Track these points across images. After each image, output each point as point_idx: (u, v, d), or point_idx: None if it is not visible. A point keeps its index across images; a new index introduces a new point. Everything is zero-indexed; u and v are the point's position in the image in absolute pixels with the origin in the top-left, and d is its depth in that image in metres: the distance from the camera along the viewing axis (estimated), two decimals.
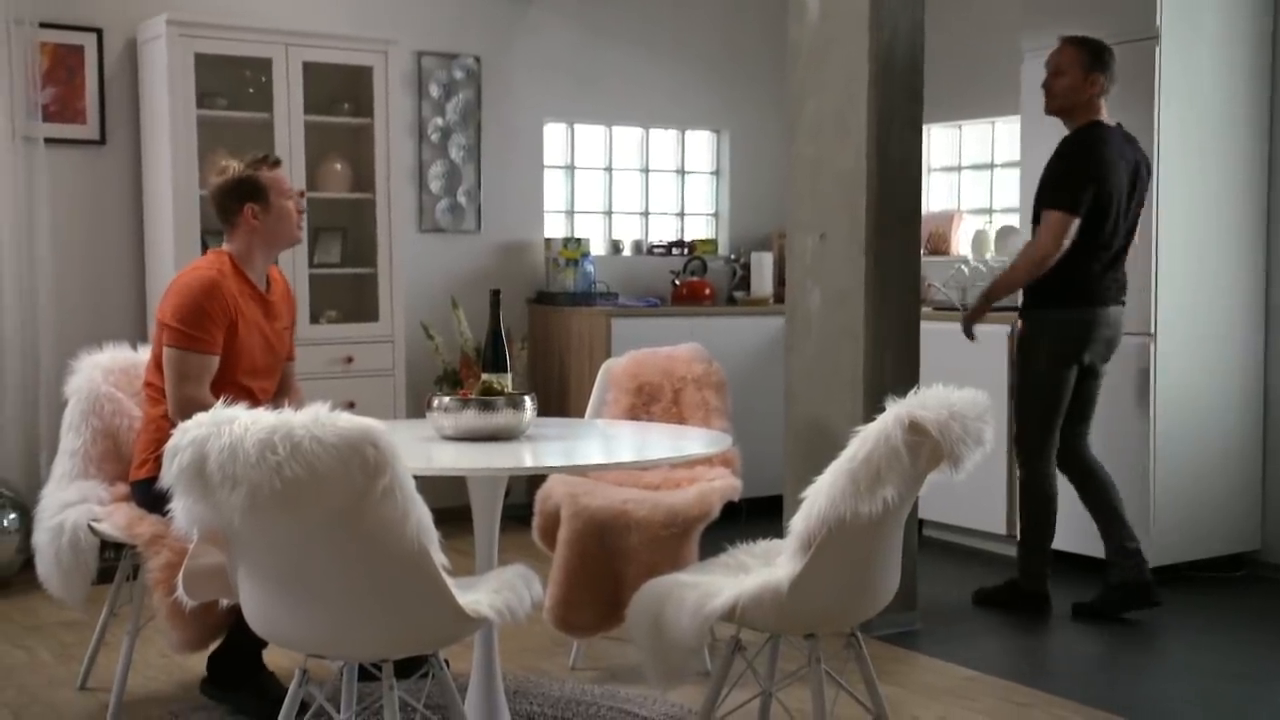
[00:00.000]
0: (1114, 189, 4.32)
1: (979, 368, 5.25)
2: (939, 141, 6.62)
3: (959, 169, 6.66)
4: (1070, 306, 4.41)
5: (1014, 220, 6.04)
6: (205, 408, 3.17)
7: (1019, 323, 4.56)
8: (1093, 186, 4.27)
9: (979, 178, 6.59)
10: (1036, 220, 4.42)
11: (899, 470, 2.51)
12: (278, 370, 3.71)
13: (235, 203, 3.56)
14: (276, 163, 3.64)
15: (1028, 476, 4.53)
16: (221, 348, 3.45)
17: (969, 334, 4.61)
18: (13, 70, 4.99)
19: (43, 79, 5.12)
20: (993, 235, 6.16)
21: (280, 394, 3.69)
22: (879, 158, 4.23)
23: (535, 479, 4.38)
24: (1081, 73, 4.32)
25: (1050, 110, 4.41)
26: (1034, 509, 4.55)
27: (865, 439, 2.54)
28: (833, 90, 4.32)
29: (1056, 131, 4.55)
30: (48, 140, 5.12)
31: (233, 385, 3.44)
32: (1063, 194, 4.28)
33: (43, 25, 5.09)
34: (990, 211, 6.48)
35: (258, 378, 3.58)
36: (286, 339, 3.74)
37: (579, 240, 6.28)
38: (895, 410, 2.54)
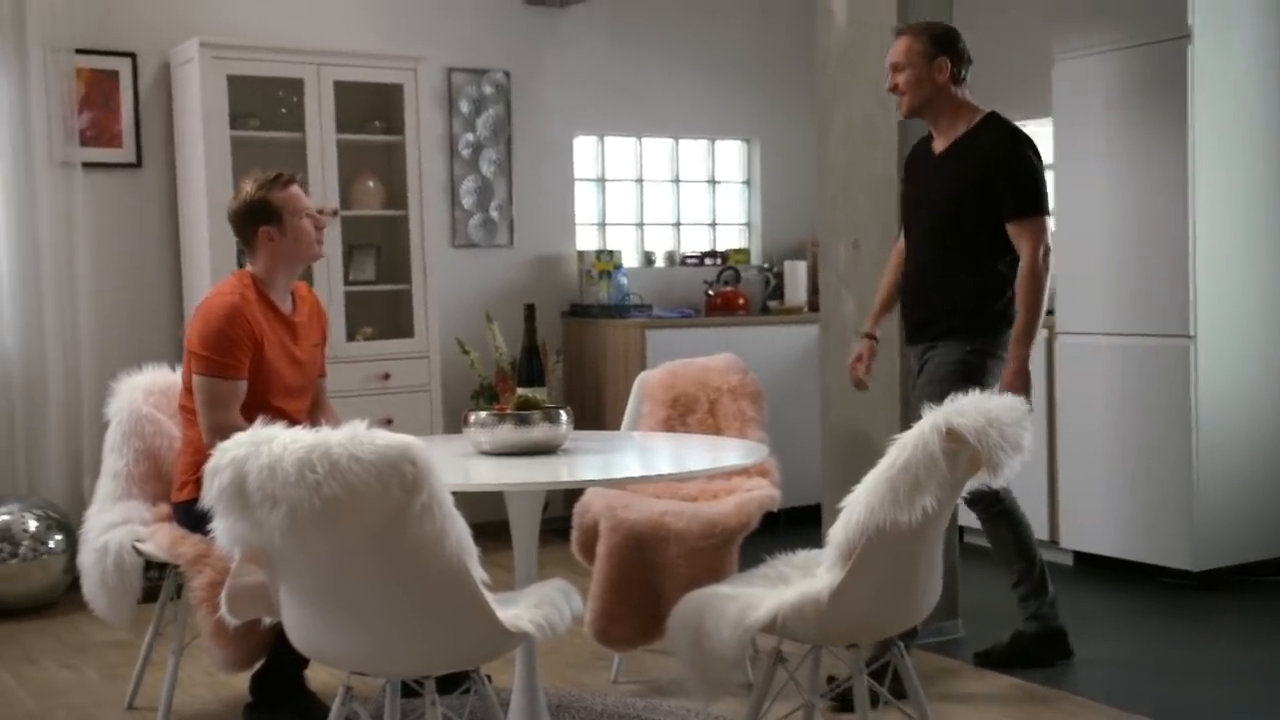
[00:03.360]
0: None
1: None
2: None
3: None
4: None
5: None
6: (237, 432, 3.25)
7: (965, 348, 3.74)
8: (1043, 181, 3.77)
9: None
10: (945, 240, 3.79)
11: (937, 478, 2.49)
12: (310, 389, 3.72)
13: (251, 226, 3.56)
14: (290, 181, 3.62)
15: (998, 512, 3.95)
16: (248, 371, 3.46)
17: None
18: (50, 97, 5.06)
19: (79, 104, 5.18)
20: None
21: (314, 411, 3.71)
22: None
23: (573, 492, 4.39)
24: (924, 62, 3.75)
25: (906, 112, 3.83)
26: (1016, 541, 3.97)
27: (903, 447, 2.53)
28: (862, 96, 4.31)
29: (1092, 134, 4.50)
30: (85, 164, 5.18)
31: (267, 408, 3.45)
32: (1041, 194, 3.72)
33: (78, 51, 5.16)
34: None
35: (291, 398, 3.60)
36: (317, 357, 3.74)
37: (611, 252, 6.30)
38: (932, 418, 2.53)
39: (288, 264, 3.61)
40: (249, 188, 3.59)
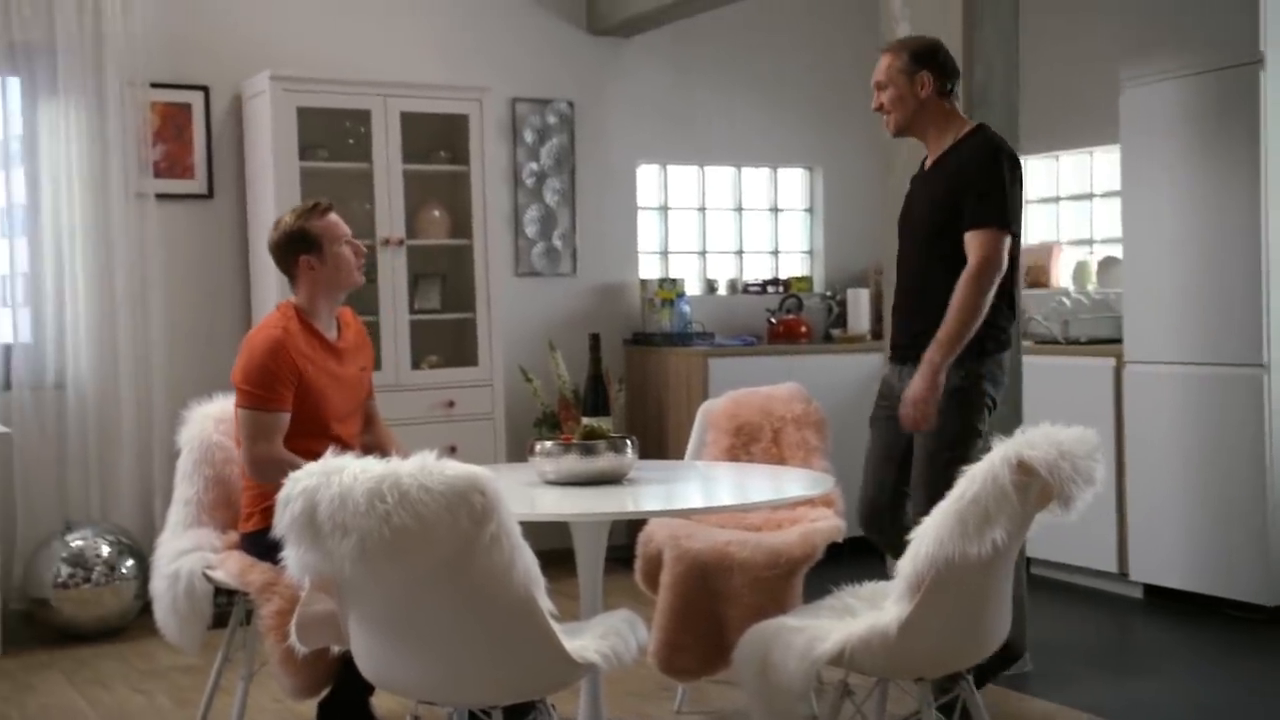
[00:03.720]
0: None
1: (1082, 403, 5.18)
2: (1036, 172, 6.54)
3: (1057, 200, 6.57)
4: (1004, 349, 3.63)
5: (1116, 251, 5.94)
6: (278, 462, 3.30)
7: (942, 375, 3.46)
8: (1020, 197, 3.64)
9: (1077, 208, 6.50)
10: (924, 251, 3.66)
11: (1008, 511, 2.47)
12: (359, 412, 3.77)
13: (291, 255, 3.60)
14: (328, 209, 3.65)
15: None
16: (291, 404, 3.49)
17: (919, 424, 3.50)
18: (126, 129, 5.17)
19: (153, 137, 5.29)
20: (1094, 266, 6.07)
21: (367, 431, 3.74)
22: None
23: (635, 521, 4.40)
24: (905, 79, 3.61)
25: (893, 130, 3.71)
26: None
27: (972, 479, 2.51)
28: None
29: (1161, 161, 4.45)
30: (159, 196, 5.28)
31: (326, 435, 3.50)
32: (1006, 209, 3.52)
33: (153, 85, 5.27)
34: (1091, 242, 6.38)
35: (342, 423, 3.65)
36: (364, 380, 3.78)
37: (674, 280, 6.31)
38: (1003, 450, 2.51)
39: (329, 292, 3.65)
40: (288, 218, 3.64)
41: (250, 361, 3.49)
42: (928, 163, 3.74)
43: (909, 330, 3.67)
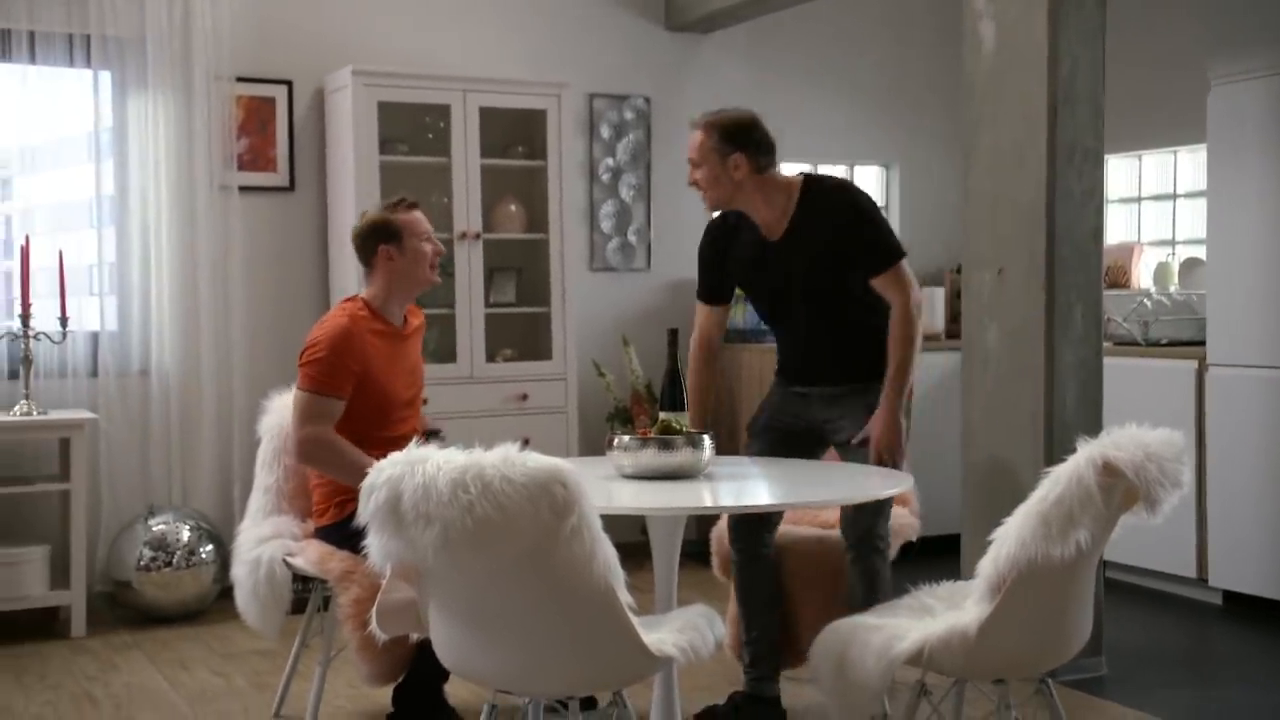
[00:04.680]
0: None
1: (1163, 405, 5.11)
2: (1117, 171, 6.45)
3: (1139, 200, 6.48)
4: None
5: (1199, 252, 5.84)
6: (328, 446, 3.39)
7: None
8: None
9: (1159, 209, 6.40)
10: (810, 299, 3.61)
11: (1092, 513, 2.45)
12: (419, 402, 3.82)
13: (372, 244, 3.68)
14: (413, 205, 3.73)
15: (885, 547, 3.59)
16: (349, 394, 3.55)
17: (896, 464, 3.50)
18: (211, 123, 5.26)
19: (238, 130, 5.37)
20: (1176, 267, 5.97)
21: None
22: (1058, 191, 4.15)
23: (708, 517, 4.40)
24: (718, 159, 3.50)
25: (710, 208, 3.64)
26: (886, 585, 3.56)
27: (1056, 480, 2.48)
28: (1010, 123, 4.25)
29: (1249, 161, 4.38)
30: (242, 188, 5.37)
31: (390, 420, 3.55)
32: (894, 240, 3.59)
33: (238, 79, 5.35)
34: (1173, 243, 6.28)
35: (410, 408, 3.73)
36: (420, 367, 3.86)
37: None
38: (1088, 451, 2.48)
39: (403, 285, 3.71)
40: (374, 210, 3.75)
41: (318, 347, 3.57)
42: (770, 234, 3.59)
43: (820, 362, 3.65)
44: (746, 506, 3.29)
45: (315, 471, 3.67)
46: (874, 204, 3.62)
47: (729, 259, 3.72)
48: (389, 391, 3.63)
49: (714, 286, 3.80)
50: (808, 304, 3.62)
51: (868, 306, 3.59)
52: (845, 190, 3.64)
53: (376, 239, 3.67)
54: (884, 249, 3.53)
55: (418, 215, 3.72)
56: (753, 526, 3.68)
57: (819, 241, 3.53)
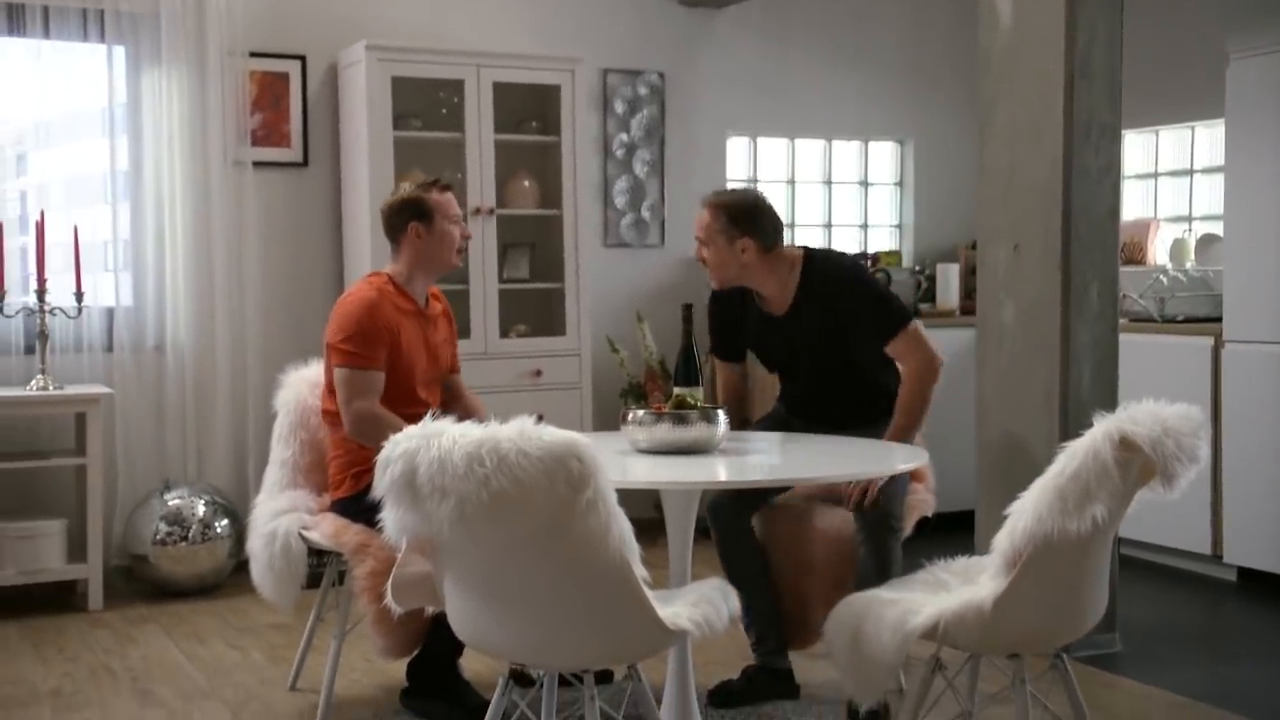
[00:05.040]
0: None
1: (1179, 382, 5.09)
2: (1133, 147, 6.42)
3: (1155, 176, 6.44)
4: None
5: (1215, 228, 5.81)
6: (378, 420, 3.36)
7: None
8: None
9: (1176, 185, 6.36)
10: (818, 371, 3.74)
11: (1108, 487, 2.44)
12: (440, 381, 3.82)
13: (402, 221, 3.68)
14: (447, 187, 3.75)
15: (900, 529, 3.62)
16: (386, 364, 3.56)
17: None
18: (225, 98, 5.26)
19: (251, 105, 5.37)
20: (1193, 243, 5.94)
21: (452, 405, 3.78)
22: (1075, 167, 4.12)
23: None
24: (724, 240, 3.58)
25: (717, 285, 3.72)
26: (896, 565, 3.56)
27: (1073, 455, 2.48)
28: (1026, 98, 4.23)
29: (1268, 136, 4.34)
30: (256, 163, 5.37)
31: (413, 398, 3.55)
32: (898, 306, 3.68)
33: (252, 55, 5.35)
34: (1190, 219, 6.25)
35: (428, 389, 3.72)
36: (447, 352, 3.85)
37: None
38: (1105, 425, 2.47)
39: (427, 265, 3.72)
40: (407, 186, 3.75)
41: (346, 320, 3.56)
42: (773, 309, 3.71)
43: (826, 412, 3.74)
44: (761, 481, 3.29)
45: (333, 443, 3.68)
46: (872, 276, 3.72)
47: (740, 325, 3.83)
48: (413, 367, 3.64)
49: (729, 346, 3.91)
50: (817, 374, 3.74)
51: (878, 366, 3.69)
52: (842, 266, 3.73)
53: (408, 216, 3.68)
54: (889, 317, 3.60)
55: (450, 198, 3.74)
56: (738, 503, 3.70)
57: (824, 318, 3.63)
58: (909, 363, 3.60)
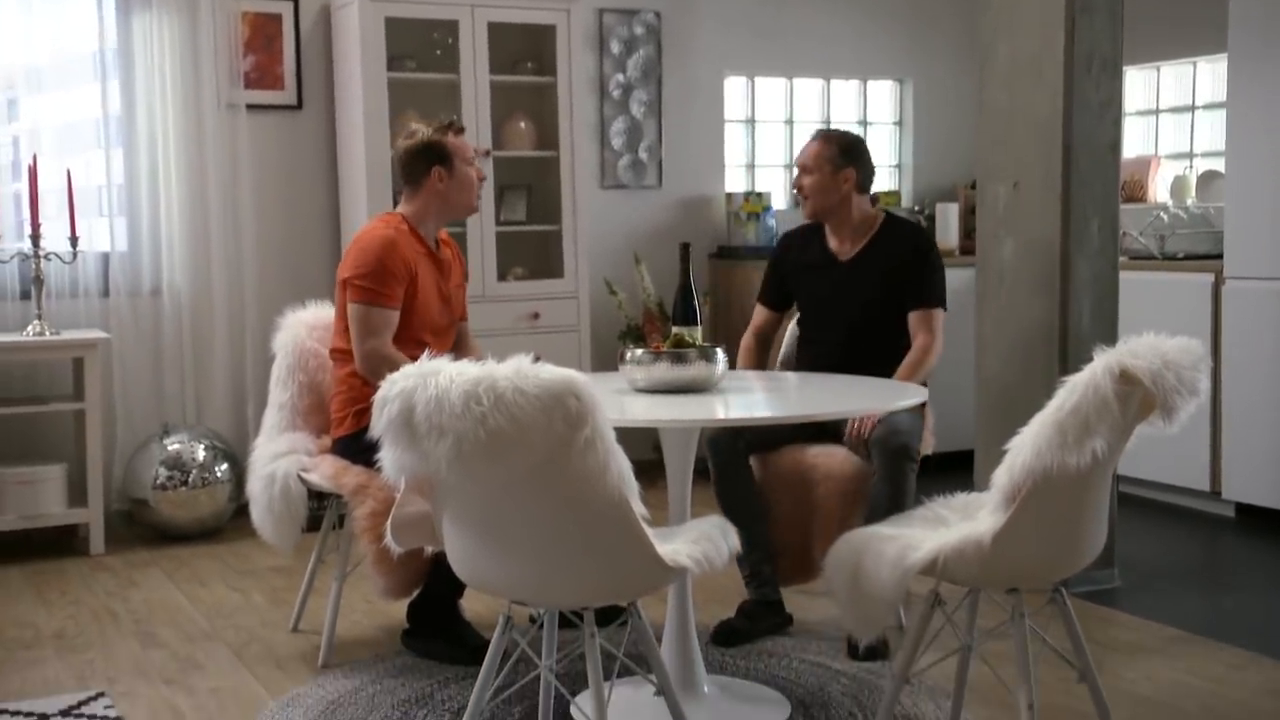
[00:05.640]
0: None
1: (1179, 319, 5.07)
2: (1134, 84, 6.36)
3: (1156, 112, 6.39)
4: None
5: (1217, 164, 5.78)
6: (390, 360, 3.34)
7: None
8: None
9: (1177, 121, 6.31)
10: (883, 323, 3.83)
11: (1108, 421, 2.43)
12: (453, 328, 3.81)
13: (423, 164, 3.65)
14: (461, 129, 3.74)
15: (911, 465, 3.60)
16: (401, 302, 3.55)
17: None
18: (217, 41, 5.21)
19: (244, 48, 5.31)
20: (1194, 180, 5.91)
21: (458, 352, 3.77)
22: (1076, 102, 4.09)
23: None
24: (831, 169, 3.80)
25: (809, 215, 3.89)
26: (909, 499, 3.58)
27: (1073, 389, 2.46)
28: (1027, 33, 4.18)
29: (1271, 70, 4.29)
30: (249, 106, 5.32)
31: (417, 342, 3.54)
32: (944, 287, 3.84)
33: None
34: (1191, 156, 6.21)
35: (438, 335, 3.69)
36: (459, 297, 3.83)
37: (760, 194, 6.25)
38: (1105, 359, 2.46)
39: (446, 209, 3.70)
40: (424, 129, 3.69)
41: (364, 256, 3.54)
42: (839, 251, 3.89)
43: (841, 369, 3.74)
44: (760, 419, 3.29)
45: (336, 379, 3.68)
46: (938, 252, 3.90)
47: (796, 267, 3.96)
48: (427, 309, 3.63)
49: (778, 292, 4.03)
50: (863, 322, 3.83)
51: (890, 354, 3.77)
52: (920, 231, 4.02)
53: (429, 160, 3.65)
54: (933, 288, 3.81)
55: (466, 140, 3.73)
56: (736, 439, 3.72)
57: (887, 263, 3.81)
58: (921, 336, 3.76)
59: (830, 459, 3.71)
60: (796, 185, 3.90)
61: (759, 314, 4.06)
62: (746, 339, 4.05)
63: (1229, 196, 5.10)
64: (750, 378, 3.65)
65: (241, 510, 4.18)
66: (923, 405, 3.48)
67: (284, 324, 3.98)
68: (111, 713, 3.22)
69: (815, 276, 3.92)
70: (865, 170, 3.85)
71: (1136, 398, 2.46)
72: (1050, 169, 4.12)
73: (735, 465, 3.72)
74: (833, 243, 3.91)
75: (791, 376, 3.70)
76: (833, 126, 3.90)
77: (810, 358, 3.93)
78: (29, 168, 4.83)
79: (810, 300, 3.97)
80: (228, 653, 3.71)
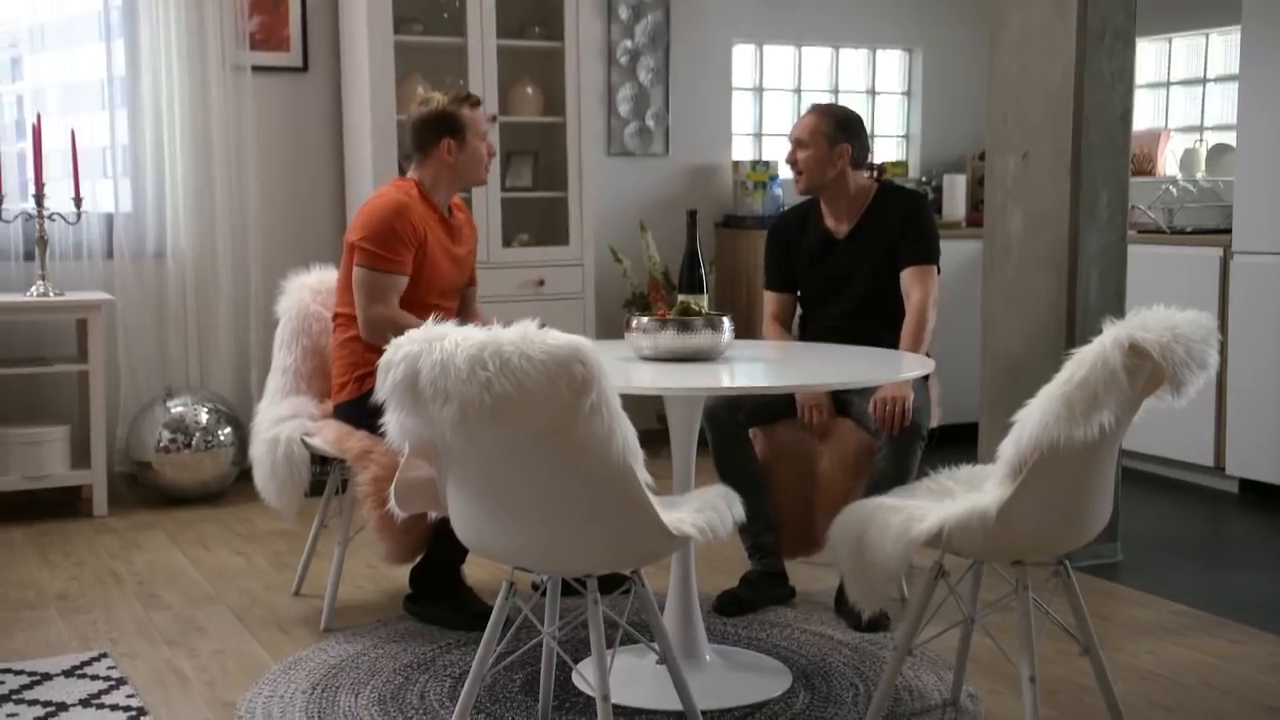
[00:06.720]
0: None
1: (1187, 293, 5.04)
2: (1145, 55, 6.31)
3: (1167, 85, 6.35)
4: None
5: (1227, 138, 5.74)
6: (394, 324, 3.32)
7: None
8: None
9: (1188, 94, 6.27)
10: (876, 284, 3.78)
11: (1117, 394, 2.41)
12: (460, 293, 3.80)
13: (435, 135, 3.63)
14: (477, 103, 3.71)
15: (920, 442, 3.60)
16: (410, 268, 3.54)
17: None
18: (223, 1, 5.16)
19: (250, 8, 5.27)
20: (1204, 154, 5.87)
21: (463, 317, 3.76)
22: (1088, 72, 4.05)
23: None
24: (826, 144, 3.73)
25: (802, 189, 3.82)
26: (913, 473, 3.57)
27: (1081, 361, 2.45)
28: (1040, 3, 4.14)
29: None
30: (254, 68, 5.29)
31: (426, 306, 3.53)
32: (938, 245, 3.79)
33: None
34: (1201, 129, 6.17)
35: (446, 298, 3.69)
36: (469, 263, 3.82)
37: (767, 163, 6.22)
38: (1114, 332, 2.44)
39: (455, 180, 3.70)
40: (440, 99, 3.67)
41: (373, 220, 3.53)
42: (836, 229, 3.83)
43: (860, 339, 3.68)
44: (766, 387, 3.27)
45: (338, 344, 3.67)
46: (934, 215, 3.90)
47: (794, 251, 3.90)
48: (436, 274, 3.62)
49: (783, 275, 3.95)
50: (864, 294, 3.78)
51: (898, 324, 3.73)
52: (912, 192, 3.96)
53: (441, 131, 3.63)
54: (928, 245, 3.75)
55: (480, 114, 3.71)
56: (735, 409, 3.69)
57: (884, 232, 3.76)
58: (915, 293, 3.69)
59: (834, 432, 3.70)
60: (791, 159, 3.80)
61: (771, 300, 3.98)
62: (768, 325, 3.96)
63: (1239, 170, 5.07)
64: (758, 346, 3.63)
65: (244, 474, 4.18)
66: (926, 377, 3.48)
67: (288, 288, 3.97)
68: (114, 673, 3.23)
69: (814, 258, 3.86)
70: (861, 145, 3.79)
71: (1145, 371, 2.45)
72: (1060, 140, 4.09)
73: (734, 437, 3.70)
74: (829, 221, 3.84)
75: (798, 346, 3.68)
76: (834, 102, 3.78)
77: (814, 335, 3.89)
78: (33, 127, 4.80)
79: (811, 281, 3.91)
80: (230, 615, 3.72)
